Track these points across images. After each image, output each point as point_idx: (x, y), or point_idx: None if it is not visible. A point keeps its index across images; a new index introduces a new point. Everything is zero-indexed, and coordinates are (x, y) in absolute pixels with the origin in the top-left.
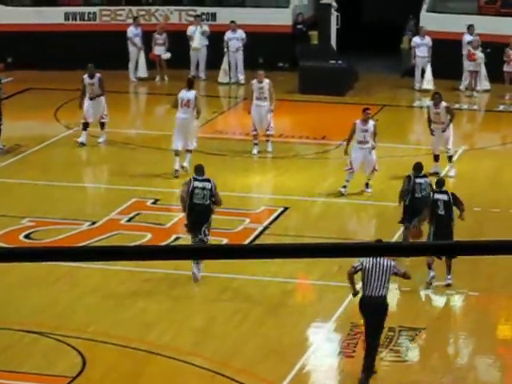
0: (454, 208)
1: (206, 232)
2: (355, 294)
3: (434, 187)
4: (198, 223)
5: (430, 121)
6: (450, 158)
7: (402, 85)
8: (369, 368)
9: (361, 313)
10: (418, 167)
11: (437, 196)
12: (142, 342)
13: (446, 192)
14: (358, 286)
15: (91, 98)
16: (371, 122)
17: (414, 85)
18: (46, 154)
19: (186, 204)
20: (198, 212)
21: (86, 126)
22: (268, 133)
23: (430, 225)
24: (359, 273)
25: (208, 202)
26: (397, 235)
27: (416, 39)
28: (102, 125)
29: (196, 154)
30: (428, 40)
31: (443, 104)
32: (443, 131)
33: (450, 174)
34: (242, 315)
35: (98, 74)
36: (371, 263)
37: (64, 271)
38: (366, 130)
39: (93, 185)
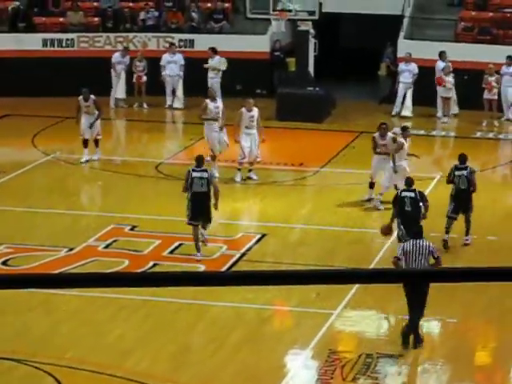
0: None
1: (206, 227)
2: None
3: (404, 186)
4: (198, 210)
5: (375, 150)
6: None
7: (379, 111)
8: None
9: (404, 291)
10: (461, 159)
11: (404, 193)
12: (119, 369)
13: (413, 190)
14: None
15: (87, 113)
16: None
17: (393, 110)
18: (24, 181)
19: (187, 192)
20: (198, 199)
21: (85, 143)
22: (258, 160)
23: (398, 220)
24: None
25: (206, 189)
26: (375, 261)
27: (401, 65)
28: (97, 142)
29: (173, 180)
30: (414, 67)
31: (389, 135)
32: (395, 172)
33: None
34: (219, 342)
35: (92, 96)
36: (411, 245)
37: (41, 298)
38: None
39: (70, 211)
